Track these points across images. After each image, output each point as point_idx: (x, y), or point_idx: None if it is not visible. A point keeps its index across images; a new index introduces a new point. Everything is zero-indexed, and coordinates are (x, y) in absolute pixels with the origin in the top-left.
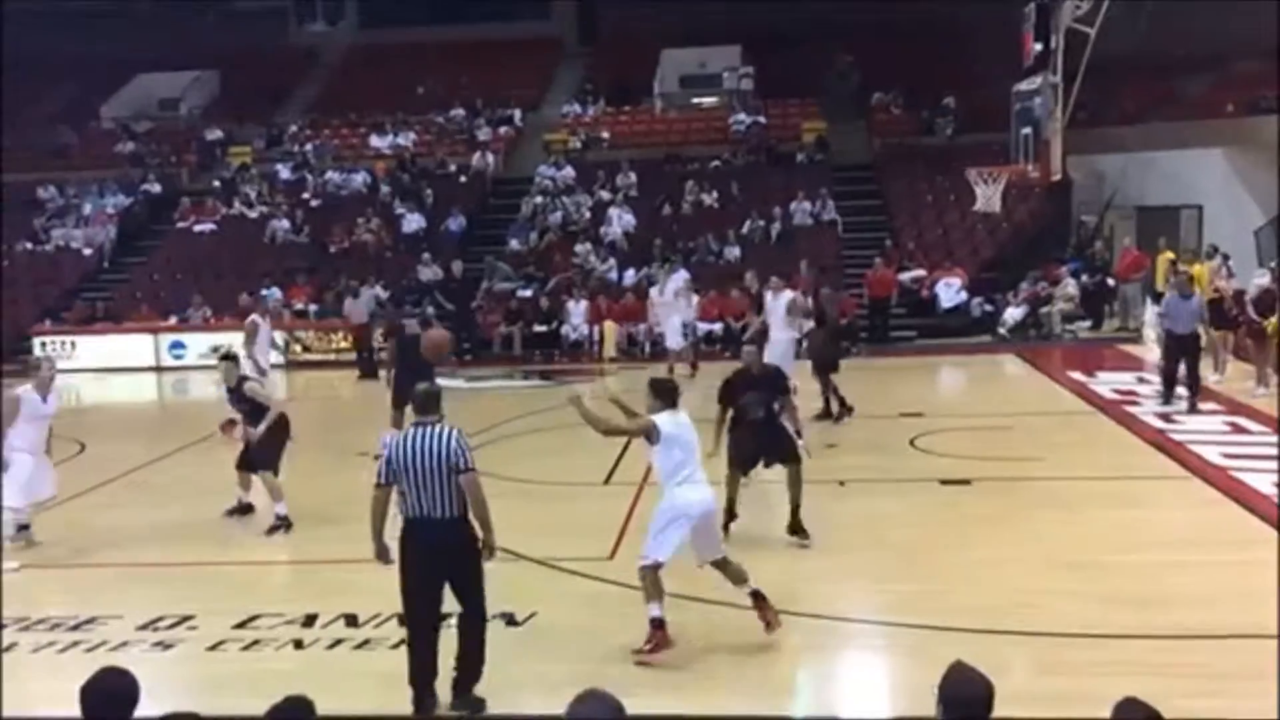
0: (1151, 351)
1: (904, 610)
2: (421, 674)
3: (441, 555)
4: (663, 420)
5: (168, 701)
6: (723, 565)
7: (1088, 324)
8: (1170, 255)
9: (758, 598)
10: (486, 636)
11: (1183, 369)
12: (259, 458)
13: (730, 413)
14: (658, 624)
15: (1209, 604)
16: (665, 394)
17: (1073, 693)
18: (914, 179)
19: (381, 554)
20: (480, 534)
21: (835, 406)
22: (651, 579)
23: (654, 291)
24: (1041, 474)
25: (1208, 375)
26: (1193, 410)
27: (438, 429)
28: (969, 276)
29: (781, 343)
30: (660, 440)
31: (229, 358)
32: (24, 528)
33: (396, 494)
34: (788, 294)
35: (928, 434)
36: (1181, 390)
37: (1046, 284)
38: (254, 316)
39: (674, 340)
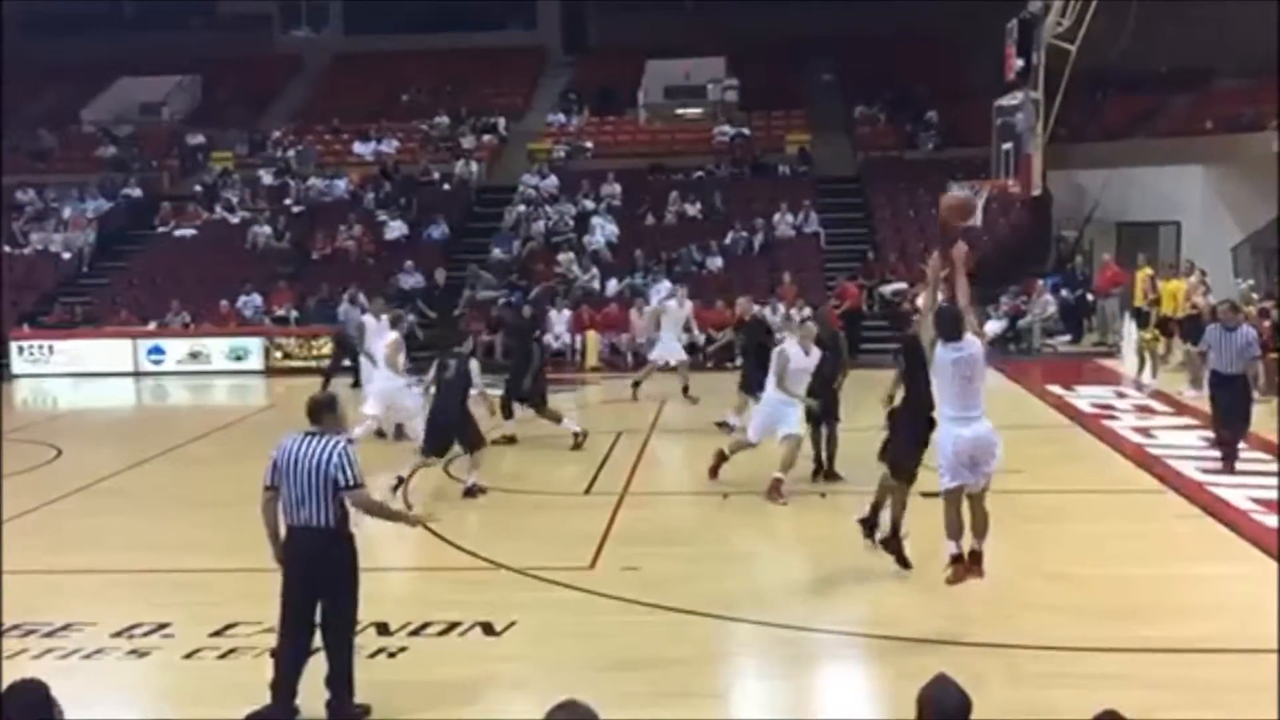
0: (1129, 366)
1: (882, 622)
2: (283, 684)
3: (311, 566)
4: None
5: (143, 710)
6: (974, 503)
7: (1067, 338)
8: (1149, 271)
9: (974, 558)
10: (352, 659)
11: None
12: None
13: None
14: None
15: (1187, 617)
16: (945, 324)
17: (1051, 705)
18: (896, 192)
19: (279, 555)
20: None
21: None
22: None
23: (673, 304)
24: (1020, 487)
25: (1184, 391)
26: (1228, 468)
27: (324, 440)
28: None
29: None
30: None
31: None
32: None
33: (280, 500)
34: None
35: None
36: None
37: (1026, 298)
38: (364, 318)
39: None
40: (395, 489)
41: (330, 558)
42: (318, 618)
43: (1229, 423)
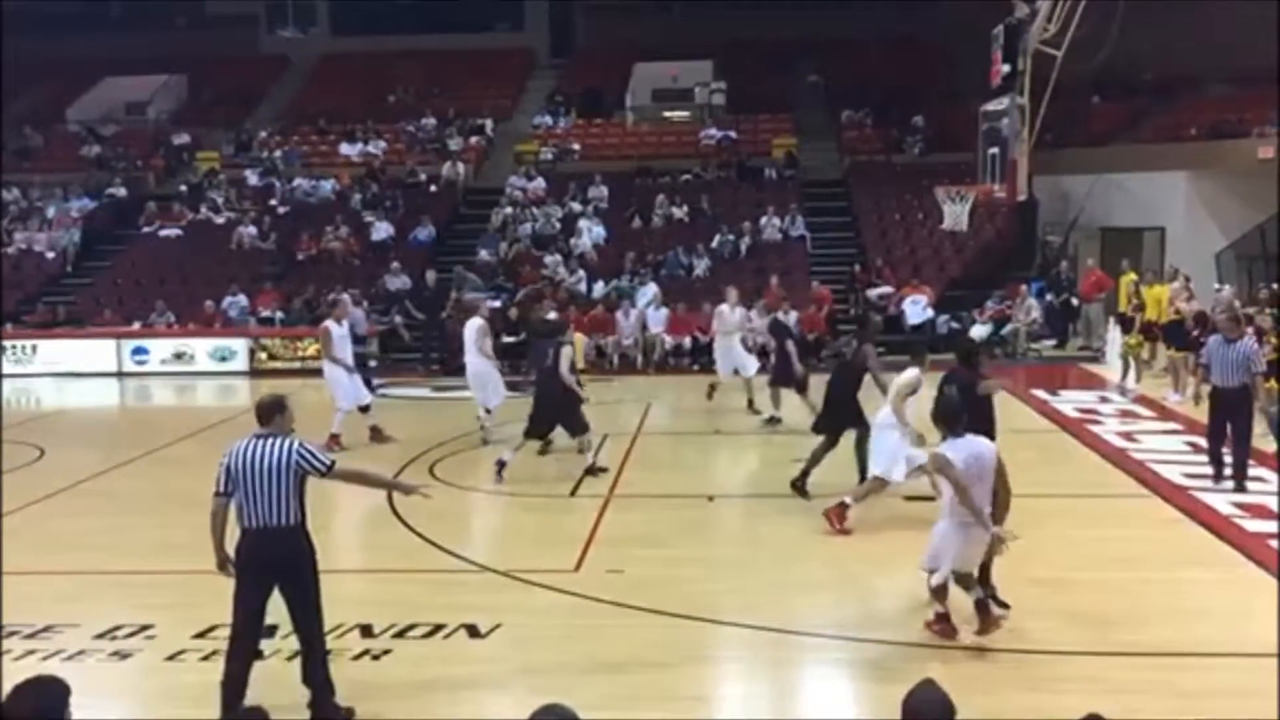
0: (1113, 371)
1: (865, 624)
2: (230, 684)
3: (274, 565)
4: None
5: (126, 711)
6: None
7: (1052, 343)
8: (1133, 276)
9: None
10: (327, 653)
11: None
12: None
13: None
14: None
15: (1170, 622)
16: (947, 415)
17: (1035, 709)
18: (882, 196)
19: (223, 564)
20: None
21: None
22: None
23: (725, 309)
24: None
25: (1168, 396)
26: (1239, 489)
27: (278, 439)
28: (935, 294)
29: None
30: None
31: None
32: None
33: (234, 504)
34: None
35: None
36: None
37: (1011, 303)
38: (327, 322)
39: (750, 366)
40: (499, 472)
41: (295, 556)
42: (284, 619)
43: (1237, 438)
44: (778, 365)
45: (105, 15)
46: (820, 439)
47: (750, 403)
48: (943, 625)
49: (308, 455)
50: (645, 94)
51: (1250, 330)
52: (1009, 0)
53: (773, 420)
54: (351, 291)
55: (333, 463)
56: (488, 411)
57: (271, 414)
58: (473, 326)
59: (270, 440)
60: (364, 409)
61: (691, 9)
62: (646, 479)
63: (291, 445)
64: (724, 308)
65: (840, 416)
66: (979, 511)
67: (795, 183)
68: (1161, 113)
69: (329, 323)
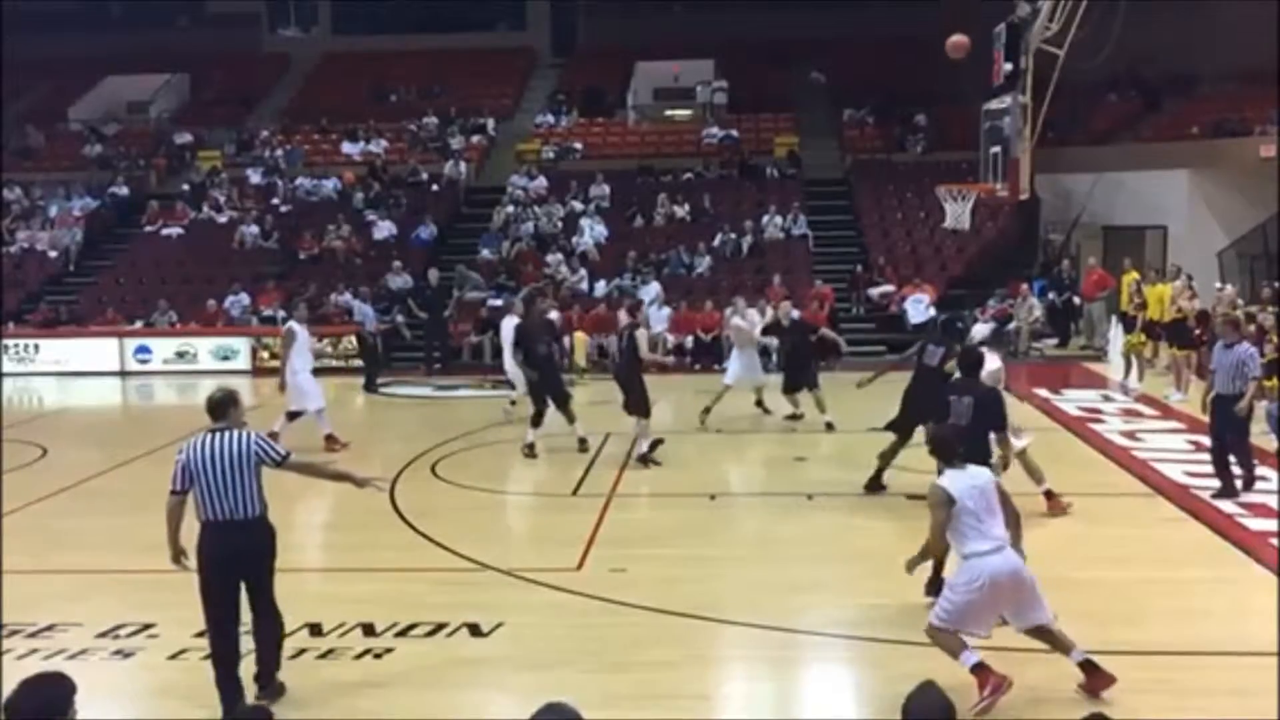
0: (1115, 370)
1: (867, 624)
2: (226, 684)
3: (240, 556)
4: (950, 483)
5: (129, 710)
6: (1045, 634)
7: (1054, 342)
8: (1135, 275)
9: (1088, 666)
10: (284, 636)
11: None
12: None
13: None
14: (979, 668)
15: (1172, 621)
16: (942, 447)
17: (1036, 709)
18: (884, 195)
19: (178, 558)
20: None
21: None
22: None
23: (733, 315)
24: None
25: (1170, 395)
26: (1247, 489)
27: (234, 434)
28: (937, 293)
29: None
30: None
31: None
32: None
33: (193, 499)
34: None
35: None
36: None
37: (1013, 301)
38: (291, 323)
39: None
40: (646, 457)
41: (263, 546)
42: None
43: (1238, 446)
44: (789, 371)
45: (106, 15)
46: (893, 438)
47: (759, 403)
48: (983, 677)
49: (264, 445)
50: (647, 93)
51: (1253, 330)
52: None
53: (795, 417)
54: (362, 290)
55: (288, 454)
56: (512, 403)
57: (225, 408)
58: (508, 327)
59: (226, 434)
60: (293, 415)
61: (693, 8)
62: (648, 478)
63: (248, 436)
64: (740, 322)
65: (917, 416)
66: (939, 559)
67: (797, 181)
68: (1163, 111)
69: (294, 323)
